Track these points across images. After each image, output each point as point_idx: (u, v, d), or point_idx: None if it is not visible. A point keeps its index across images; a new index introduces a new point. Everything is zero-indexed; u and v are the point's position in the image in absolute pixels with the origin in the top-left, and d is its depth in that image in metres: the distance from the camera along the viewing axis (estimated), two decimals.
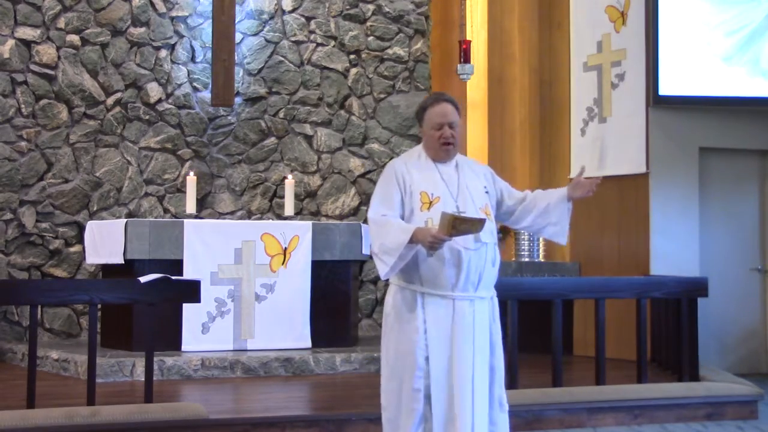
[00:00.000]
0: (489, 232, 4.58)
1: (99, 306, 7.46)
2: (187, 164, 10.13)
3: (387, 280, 4.67)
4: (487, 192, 4.72)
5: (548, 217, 4.79)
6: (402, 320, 4.57)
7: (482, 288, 4.57)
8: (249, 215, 10.30)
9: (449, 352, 4.50)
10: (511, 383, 6.91)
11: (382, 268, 4.52)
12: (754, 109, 9.59)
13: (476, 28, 11.12)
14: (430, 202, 4.56)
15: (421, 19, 11.02)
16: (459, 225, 4.34)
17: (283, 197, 10.09)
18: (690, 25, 9.39)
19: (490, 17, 11.13)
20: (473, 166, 4.82)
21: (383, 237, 4.49)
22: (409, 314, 4.55)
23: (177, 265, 8.36)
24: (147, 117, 10.05)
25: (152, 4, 10.09)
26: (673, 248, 9.37)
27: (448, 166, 4.69)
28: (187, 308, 8.29)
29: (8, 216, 9.53)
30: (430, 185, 4.60)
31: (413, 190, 4.58)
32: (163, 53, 10.11)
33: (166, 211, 10.06)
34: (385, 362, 4.66)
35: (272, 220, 10.04)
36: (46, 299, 6.64)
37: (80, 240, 9.54)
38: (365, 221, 8.32)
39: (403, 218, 4.57)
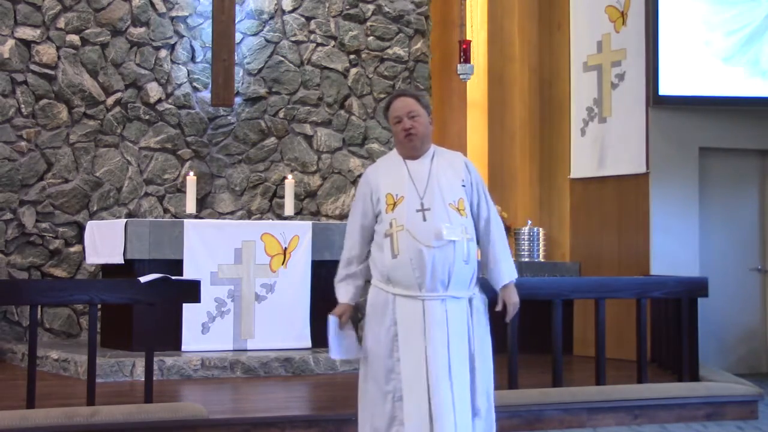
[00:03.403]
0: (460, 229, 4.50)
1: (99, 306, 7.46)
2: (187, 164, 10.13)
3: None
4: (464, 186, 4.63)
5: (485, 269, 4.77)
6: (376, 321, 4.59)
7: (454, 287, 4.50)
8: (249, 215, 10.30)
9: (421, 354, 4.43)
10: (511, 383, 6.92)
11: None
12: (753, 109, 9.59)
13: (476, 28, 11.13)
14: (395, 203, 4.54)
15: (421, 19, 11.02)
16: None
17: (283, 197, 10.09)
18: (690, 25, 9.39)
19: (490, 17, 11.14)
20: (450, 158, 4.73)
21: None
22: (382, 315, 4.56)
23: (177, 265, 8.35)
24: (147, 117, 10.05)
25: (152, 4, 10.09)
26: (673, 248, 9.36)
27: (421, 161, 4.64)
28: (187, 308, 8.29)
29: (8, 216, 9.53)
30: (395, 186, 4.57)
31: (380, 195, 4.58)
32: (163, 53, 10.11)
33: (166, 211, 10.06)
34: (362, 363, 4.66)
35: (272, 220, 10.04)
36: (46, 299, 6.64)
37: (80, 240, 9.54)
38: None
39: (370, 231, 4.63)
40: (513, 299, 4.74)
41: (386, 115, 4.75)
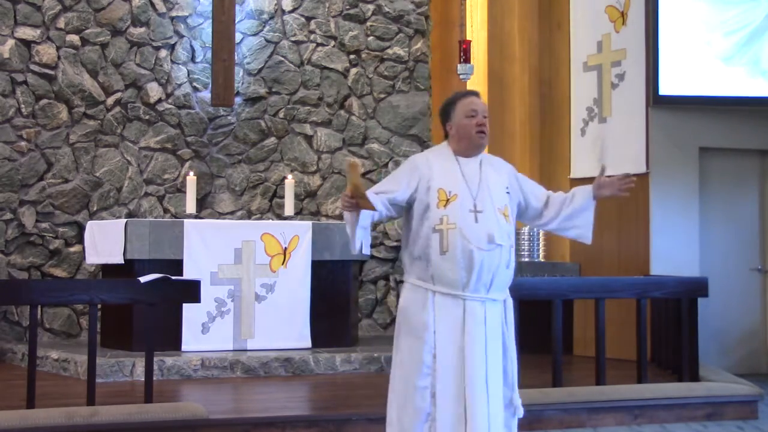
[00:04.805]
0: (506, 235, 4.56)
1: (99, 306, 7.46)
2: (187, 164, 10.13)
3: (402, 279, 4.74)
4: (508, 193, 4.68)
5: (574, 221, 4.81)
6: (412, 317, 4.57)
7: (495, 290, 4.55)
8: (249, 215, 10.30)
9: (458, 352, 4.48)
10: None
11: (350, 240, 4.56)
12: (754, 109, 9.59)
13: (476, 28, 11.13)
14: (447, 200, 4.54)
15: (421, 19, 11.02)
16: (352, 176, 4.35)
17: (283, 197, 10.09)
18: (690, 25, 9.39)
19: (490, 17, 11.13)
20: (497, 165, 4.78)
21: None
22: (420, 312, 4.54)
23: (177, 265, 8.35)
24: (147, 117, 10.05)
25: (152, 4, 10.09)
26: (673, 248, 9.36)
27: (472, 162, 4.66)
28: (187, 308, 8.29)
29: (8, 216, 9.53)
30: (449, 182, 4.57)
31: (431, 186, 4.56)
32: (163, 53, 10.11)
33: (166, 211, 10.06)
34: (395, 360, 4.66)
35: (272, 220, 10.04)
36: (46, 299, 6.64)
37: (80, 240, 9.54)
38: None
39: (411, 208, 4.57)
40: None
41: (449, 108, 4.71)
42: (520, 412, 4.65)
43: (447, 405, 4.46)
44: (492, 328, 4.54)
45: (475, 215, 4.52)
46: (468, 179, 4.60)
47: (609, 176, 4.87)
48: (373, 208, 4.45)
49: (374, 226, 4.82)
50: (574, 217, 4.81)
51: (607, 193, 4.79)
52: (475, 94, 4.76)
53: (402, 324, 4.63)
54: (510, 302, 4.70)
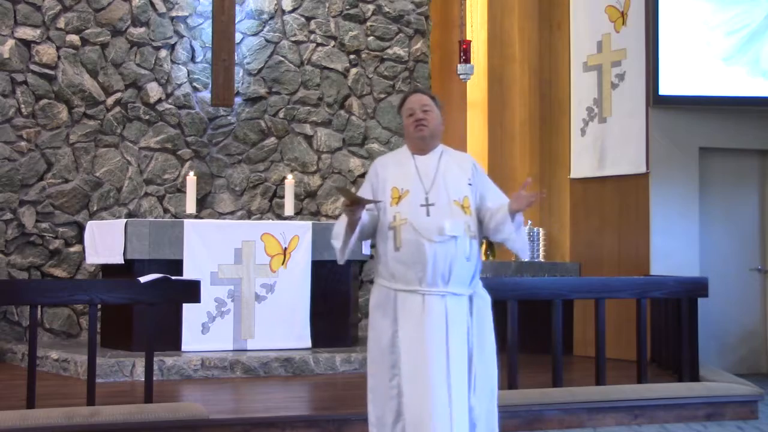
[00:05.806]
0: (462, 226, 4.53)
1: (99, 306, 7.46)
2: (187, 164, 10.13)
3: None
4: (470, 185, 4.65)
5: (502, 233, 4.62)
6: (379, 317, 4.62)
7: (455, 283, 4.51)
8: (249, 215, 10.30)
9: (421, 349, 4.46)
10: (511, 383, 6.92)
11: (336, 253, 4.65)
12: (754, 109, 9.59)
13: (476, 28, 11.13)
14: (399, 197, 4.58)
15: (421, 19, 11.02)
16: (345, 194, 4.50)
17: (283, 197, 10.09)
18: (690, 25, 9.39)
19: (490, 17, 11.13)
20: (459, 158, 4.78)
21: (336, 225, 4.65)
22: (385, 311, 4.58)
23: (177, 265, 8.35)
24: (147, 117, 10.05)
25: (152, 4, 10.09)
26: (673, 248, 9.36)
27: (429, 157, 4.69)
28: (187, 308, 8.29)
29: (8, 216, 9.53)
30: (401, 180, 4.62)
31: (385, 187, 4.63)
32: (163, 53, 10.11)
33: (166, 211, 10.06)
34: (368, 360, 4.72)
35: (272, 220, 10.04)
36: (46, 299, 6.64)
37: (80, 240, 9.54)
38: None
39: (370, 213, 4.63)
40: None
41: (400, 112, 4.83)
42: (476, 414, 4.51)
43: (412, 403, 4.44)
44: (455, 324, 4.49)
45: (427, 209, 4.54)
46: (422, 174, 4.63)
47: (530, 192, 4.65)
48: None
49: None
50: (499, 230, 4.60)
51: (515, 207, 4.55)
52: (416, 91, 4.85)
53: (371, 325, 4.68)
54: (481, 300, 4.62)
